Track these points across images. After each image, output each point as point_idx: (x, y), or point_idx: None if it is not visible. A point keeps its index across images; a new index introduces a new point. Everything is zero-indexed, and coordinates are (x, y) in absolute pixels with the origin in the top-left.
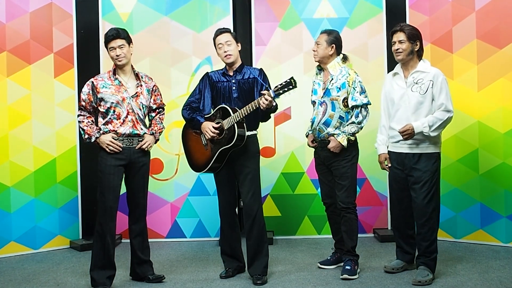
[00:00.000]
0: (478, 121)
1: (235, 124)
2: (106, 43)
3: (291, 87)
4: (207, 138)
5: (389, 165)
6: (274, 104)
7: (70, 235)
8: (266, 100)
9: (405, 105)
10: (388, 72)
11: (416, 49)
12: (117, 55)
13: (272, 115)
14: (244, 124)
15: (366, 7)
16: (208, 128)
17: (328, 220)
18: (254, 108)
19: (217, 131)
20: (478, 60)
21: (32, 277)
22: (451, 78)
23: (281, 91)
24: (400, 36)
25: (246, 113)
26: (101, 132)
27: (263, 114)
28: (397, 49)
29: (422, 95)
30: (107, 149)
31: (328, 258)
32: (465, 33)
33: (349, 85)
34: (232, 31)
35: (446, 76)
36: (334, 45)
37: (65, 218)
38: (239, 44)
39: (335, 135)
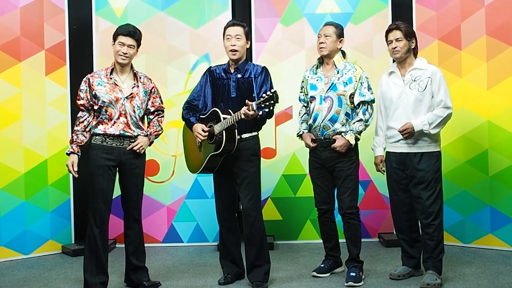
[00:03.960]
0: (487, 121)
1: (224, 131)
2: (118, 35)
3: (272, 101)
4: (197, 141)
5: (384, 168)
6: (259, 113)
7: (62, 239)
8: (249, 111)
9: (403, 104)
10: None
11: (412, 47)
12: (123, 53)
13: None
14: (236, 130)
15: (370, 2)
16: (198, 132)
17: (320, 227)
18: (240, 118)
19: (206, 134)
20: (487, 57)
21: (23, 283)
22: (460, 76)
23: (263, 105)
24: (396, 34)
25: (235, 121)
26: (71, 150)
27: (257, 120)
28: (395, 48)
29: (421, 92)
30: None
31: (322, 265)
32: (474, 29)
33: (356, 80)
34: (246, 25)
35: (454, 74)
36: (342, 38)
37: (56, 222)
38: (249, 42)
39: (342, 133)
